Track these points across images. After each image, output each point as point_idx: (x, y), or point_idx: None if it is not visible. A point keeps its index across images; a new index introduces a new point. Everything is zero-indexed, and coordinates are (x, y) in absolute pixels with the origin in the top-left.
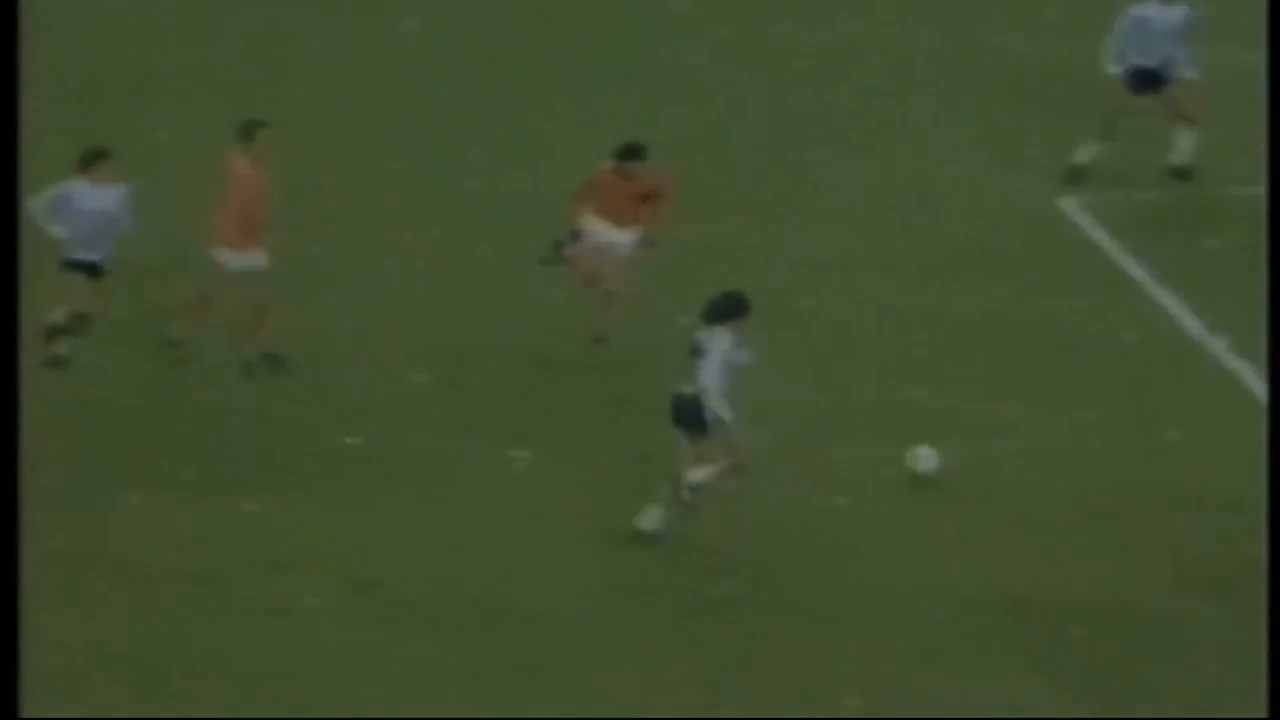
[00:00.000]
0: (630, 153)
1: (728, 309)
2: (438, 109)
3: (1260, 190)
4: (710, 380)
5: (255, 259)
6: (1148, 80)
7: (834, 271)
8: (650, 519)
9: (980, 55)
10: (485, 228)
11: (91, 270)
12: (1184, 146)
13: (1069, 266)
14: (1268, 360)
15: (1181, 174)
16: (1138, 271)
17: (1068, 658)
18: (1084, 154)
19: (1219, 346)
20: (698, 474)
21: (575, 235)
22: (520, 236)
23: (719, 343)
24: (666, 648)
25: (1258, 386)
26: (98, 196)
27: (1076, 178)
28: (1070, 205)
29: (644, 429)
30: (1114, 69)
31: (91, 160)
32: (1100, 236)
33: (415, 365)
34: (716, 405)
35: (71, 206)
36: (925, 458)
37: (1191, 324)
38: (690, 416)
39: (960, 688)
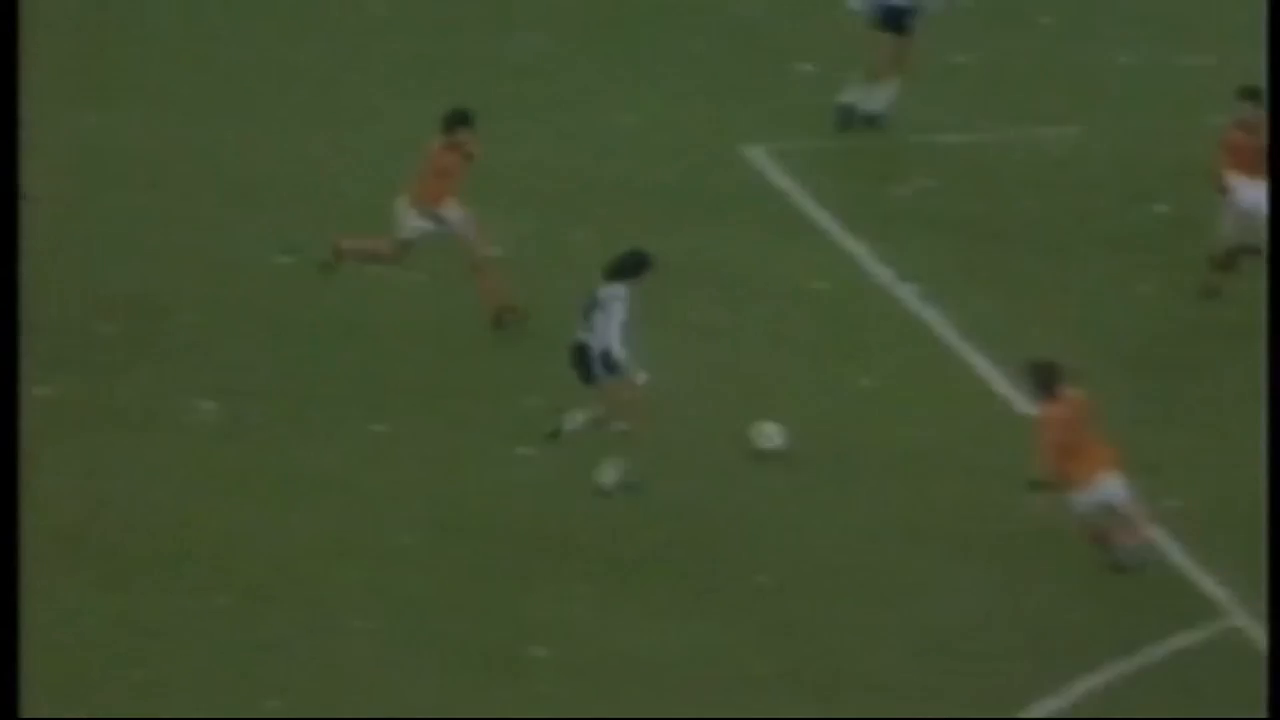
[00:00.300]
0: (461, 120)
1: (629, 266)
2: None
3: (950, 138)
4: (612, 336)
5: None
6: (896, 19)
7: (526, 218)
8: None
9: (669, 3)
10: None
11: None
12: (882, 95)
13: (757, 214)
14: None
15: (871, 121)
16: (825, 219)
17: (756, 608)
18: (850, 94)
19: (907, 294)
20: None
21: (439, 220)
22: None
23: (620, 299)
24: (348, 600)
25: (946, 333)
26: None
27: (844, 118)
28: (757, 153)
29: (336, 380)
30: (856, 4)
31: None
32: (787, 184)
33: (103, 316)
34: (618, 356)
35: None
36: (769, 435)
37: (880, 271)
38: (580, 367)
39: (646, 635)
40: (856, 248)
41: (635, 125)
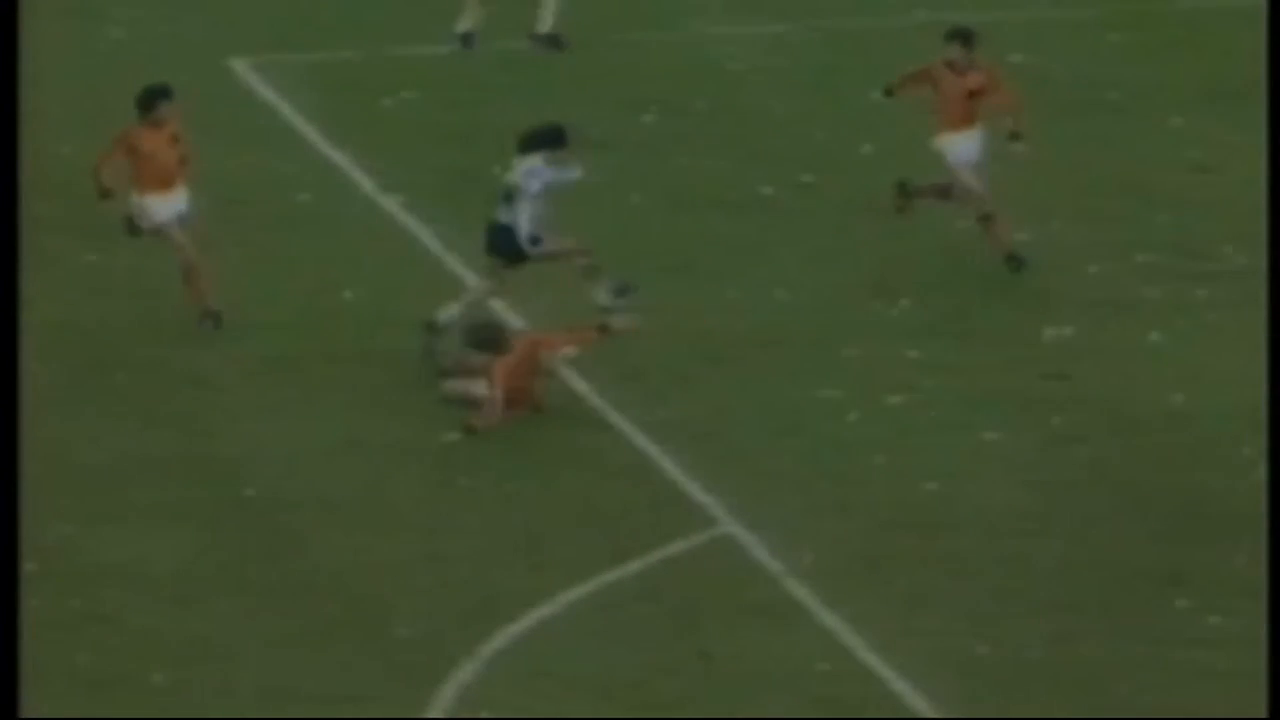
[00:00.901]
0: (159, 95)
1: (543, 138)
2: None
3: (432, 50)
4: (521, 215)
5: None
6: None
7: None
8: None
9: None
10: None
11: None
12: (548, 15)
13: (240, 127)
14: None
15: (556, 42)
16: (309, 131)
17: (244, 521)
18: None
19: (392, 205)
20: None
21: (106, 194)
22: None
23: (535, 175)
24: None
25: (430, 243)
26: None
27: (468, 42)
28: (241, 65)
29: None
30: None
31: None
32: (270, 96)
33: None
34: (529, 232)
35: None
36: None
37: (364, 182)
38: (503, 246)
39: (132, 547)
40: (341, 159)
41: (122, 39)
